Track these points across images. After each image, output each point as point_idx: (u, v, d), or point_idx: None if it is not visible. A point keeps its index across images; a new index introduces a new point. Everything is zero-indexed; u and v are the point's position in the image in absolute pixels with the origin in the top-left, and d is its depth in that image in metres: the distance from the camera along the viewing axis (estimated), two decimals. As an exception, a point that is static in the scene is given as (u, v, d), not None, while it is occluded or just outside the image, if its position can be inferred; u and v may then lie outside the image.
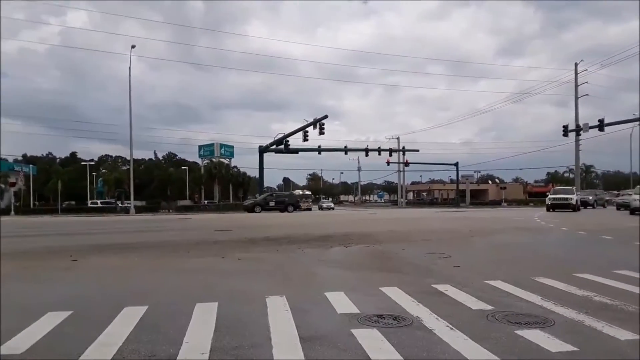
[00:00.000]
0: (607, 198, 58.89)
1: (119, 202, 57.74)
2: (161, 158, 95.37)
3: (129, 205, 47.91)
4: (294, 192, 71.54)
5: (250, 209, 41.45)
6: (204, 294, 6.21)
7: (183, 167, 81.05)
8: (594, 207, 41.33)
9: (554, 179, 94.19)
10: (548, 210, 33.25)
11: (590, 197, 43.69)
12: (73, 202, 67.46)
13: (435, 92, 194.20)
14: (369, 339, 4.25)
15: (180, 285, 7.00)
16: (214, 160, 73.79)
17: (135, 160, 53.49)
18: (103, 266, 9.06)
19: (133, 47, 42.86)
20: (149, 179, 74.73)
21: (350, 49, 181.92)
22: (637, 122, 44.90)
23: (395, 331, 4.49)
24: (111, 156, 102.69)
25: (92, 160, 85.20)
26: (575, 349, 3.94)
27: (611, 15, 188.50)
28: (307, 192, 71.37)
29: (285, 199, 43.78)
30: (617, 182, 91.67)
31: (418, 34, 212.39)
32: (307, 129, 46.86)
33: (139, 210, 48.36)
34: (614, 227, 17.89)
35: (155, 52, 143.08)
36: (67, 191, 67.14)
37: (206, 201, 68.65)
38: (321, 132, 45.27)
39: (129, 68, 43.03)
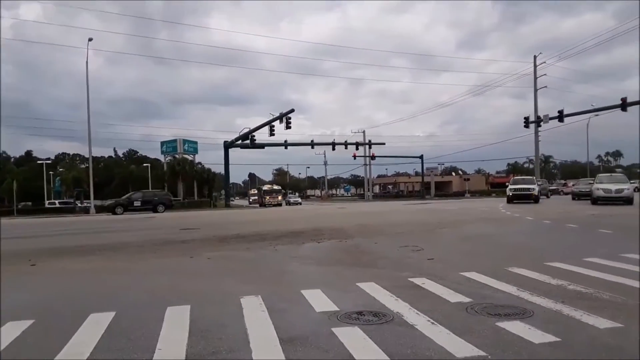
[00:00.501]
0: (552, 187, 60.02)
1: (78, 202, 55.64)
2: (121, 155, 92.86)
3: (88, 205, 46.35)
4: (263, 187, 68.49)
5: (111, 210, 37.82)
6: (175, 296, 5.95)
7: (145, 164, 79.07)
8: None
9: (515, 169, 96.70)
10: (509, 202, 31.18)
11: None
12: (29, 203, 64.92)
13: (399, 86, 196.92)
14: (351, 337, 4.13)
15: (148, 288, 6.70)
16: (177, 156, 71.90)
17: (94, 158, 51.78)
18: (65, 270, 8.63)
19: (90, 40, 41.31)
20: (109, 177, 72.63)
21: (314, 42, 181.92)
22: (594, 113, 46.52)
23: (377, 328, 4.39)
24: (68, 154, 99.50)
25: (48, 158, 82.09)
26: (558, 339, 3.93)
27: (566, 9, 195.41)
28: (277, 187, 68.79)
29: (154, 198, 39.88)
30: (574, 171, 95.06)
31: (380, 27, 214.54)
32: (273, 124, 46.43)
33: (99, 209, 46.78)
34: (576, 215, 18.42)
35: (113, 45, 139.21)
36: (23, 191, 64.64)
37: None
38: (288, 127, 44.98)
39: (86, 62, 41.62)
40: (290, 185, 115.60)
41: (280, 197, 62.63)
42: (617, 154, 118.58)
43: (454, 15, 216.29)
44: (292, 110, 46.92)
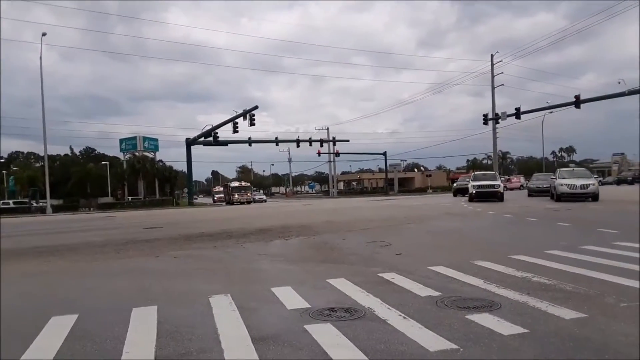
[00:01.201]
0: None
1: (33, 202, 53.69)
2: (78, 153, 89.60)
3: (44, 204, 44.85)
4: (231, 184, 63.96)
5: None
6: (140, 297, 5.79)
7: (103, 162, 76.82)
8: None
9: (474, 165, 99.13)
10: (471, 200, 27.29)
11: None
12: (-19, 204, 62.10)
13: (360, 83, 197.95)
14: (324, 334, 4.11)
15: (112, 289, 6.50)
16: (137, 154, 70.07)
17: (49, 157, 49.95)
18: (23, 273, 8.26)
19: (44, 34, 39.84)
20: (66, 175, 69.96)
21: (275, 38, 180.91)
22: (548, 110, 48.18)
23: (349, 324, 4.38)
24: (22, 153, 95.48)
25: (1, 157, 78.78)
26: (526, 330, 4.02)
27: (519, 10, 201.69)
28: (246, 184, 64.30)
29: None
30: (530, 166, 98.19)
31: (341, 25, 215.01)
32: (236, 121, 45.88)
33: (56, 209, 45.42)
34: (536, 209, 19.00)
35: (67, 40, 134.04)
36: (-27, 192, 61.74)
37: (130, 198, 65.41)
38: (252, 124, 44.45)
39: (40, 58, 40.01)
40: (254, 183, 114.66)
41: (249, 194, 58.74)
42: (571, 150, 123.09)
43: (414, 15, 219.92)
44: (255, 107, 46.47)
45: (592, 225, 11.80)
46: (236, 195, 55.99)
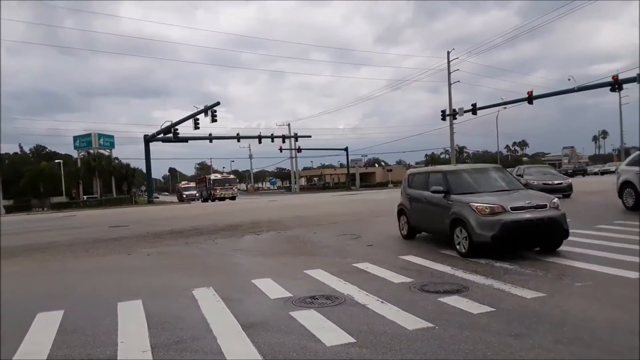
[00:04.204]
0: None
1: (-18, 203, 51.35)
2: (28, 151, 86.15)
3: (-4, 205, 43.11)
4: (211, 176, 54.47)
5: None
6: (122, 292, 5.90)
7: (57, 161, 74.20)
8: None
9: (433, 160, 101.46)
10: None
11: None
12: None
13: (320, 79, 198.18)
14: (309, 319, 4.39)
15: (92, 286, 6.57)
16: (92, 152, 68.01)
17: None
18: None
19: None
20: (17, 174, 67.27)
21: (232, 33, 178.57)
22: (503, 106, 49.79)
23: (332, 309, 4.68)
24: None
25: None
26: (493, 309, 4.43)
27: (474, 7, 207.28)
28: (229, 175, 55.78)
29: None
30: (485, 160, 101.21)
31: (299, 19, 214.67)
32: (197, 117, 45.26)
33: (9, 209, 43.69)
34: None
35: (13, 34, 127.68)
36: None
37: (85, 197, 63.43)
38: (213, 120, 43.78)
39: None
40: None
41: (234, 188, 50.14)
42: (523, 144, 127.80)
43: (371, 9, 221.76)
44: (217, 103, 45.77)
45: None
46: (218, 190, 47.86)
